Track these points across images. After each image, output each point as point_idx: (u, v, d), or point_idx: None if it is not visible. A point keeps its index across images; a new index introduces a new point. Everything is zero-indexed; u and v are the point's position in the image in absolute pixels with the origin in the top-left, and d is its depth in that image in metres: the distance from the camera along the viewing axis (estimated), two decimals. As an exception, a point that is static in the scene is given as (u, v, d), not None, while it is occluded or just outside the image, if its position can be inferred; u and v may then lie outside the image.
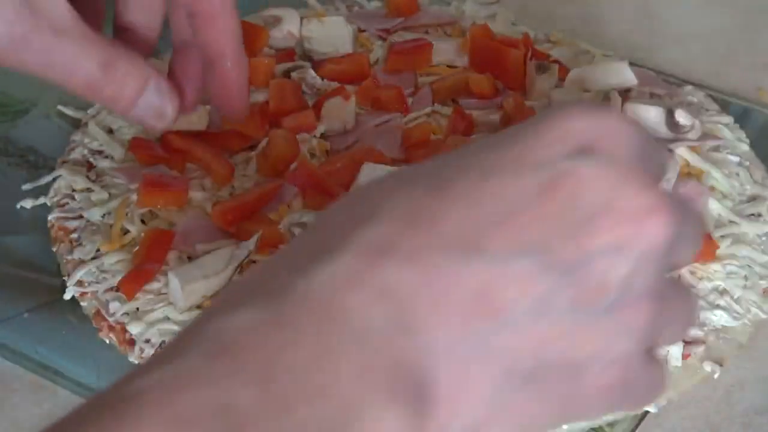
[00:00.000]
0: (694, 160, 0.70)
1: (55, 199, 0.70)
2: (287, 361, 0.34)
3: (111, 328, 0.62)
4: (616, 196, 0.38)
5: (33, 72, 0.55)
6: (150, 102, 0.57)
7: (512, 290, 0.37)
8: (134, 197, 0.67)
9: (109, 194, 0.69)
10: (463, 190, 0.38)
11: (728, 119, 0.76)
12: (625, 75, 0.74)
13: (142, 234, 0.65)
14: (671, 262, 0.40)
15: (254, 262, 0.62)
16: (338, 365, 0.35)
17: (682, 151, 0.69)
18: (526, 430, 0.40)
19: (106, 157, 0.72)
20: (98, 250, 0.65)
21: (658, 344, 0.42)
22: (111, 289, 0.63)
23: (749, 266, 0.65)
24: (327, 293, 0.36)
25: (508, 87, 0.75)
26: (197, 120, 0.70)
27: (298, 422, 0.34)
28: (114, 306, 0.62)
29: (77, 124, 0.76)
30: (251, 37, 0.75)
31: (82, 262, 0.64)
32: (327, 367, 0.35)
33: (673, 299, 0.41)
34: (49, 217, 0.68)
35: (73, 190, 0.70)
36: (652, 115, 0.70)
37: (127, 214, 0.66)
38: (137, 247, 0.64)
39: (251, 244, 0.62)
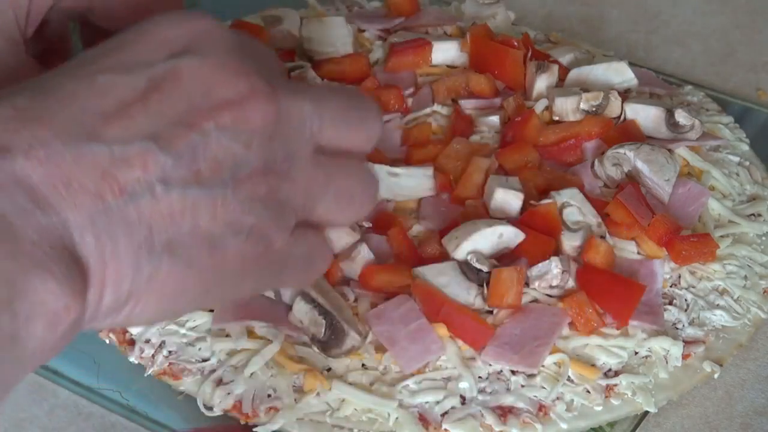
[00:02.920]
0: (694, 160, 0.70)
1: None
2: None
3: (111, 328, 0.62)
4: (214, 85, 0.44)
5: None
6: None
7: (134, 171, 0.42)
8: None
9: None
10: (71, 90, 0.43)
11: (728, 119, 0.76)
12: (625, 75, 0.74)
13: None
14: (313, 141, 0.48)
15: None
16: None
17: (682, 151, 0.69)
18: (176, 304, 0.45)
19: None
20: (98, 250, 0.65)
21: (311, 217, 0.49)
22: (111, 289, 0.63)
23: (749, 266, 0.65)
24: None
25: (508, 87, 0.75)
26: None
27: None
28: (114, 306, 0.62)
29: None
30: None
31: (82, 262, 0.64)
32: None
33: (320, 178, 0.48)
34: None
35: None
36: (652, 115, 0.70)
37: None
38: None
39: None
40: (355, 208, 0.52)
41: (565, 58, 0.77)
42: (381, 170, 0.66)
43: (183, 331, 0.60)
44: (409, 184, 0.67)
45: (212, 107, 0.44)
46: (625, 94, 0.73)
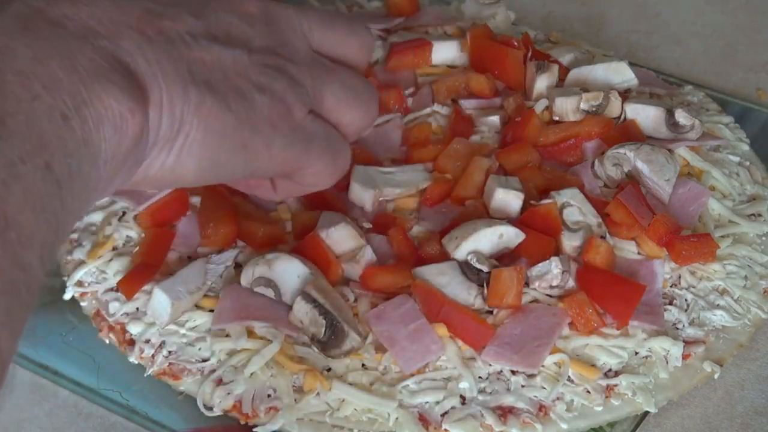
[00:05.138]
0: (694, 160, 0.70)
1: (55, 199, 0.69)
2: (9, 71, 0.42)
3: (111, 328, 0.62)
4: None
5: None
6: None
7: (166, 21, 0.50)
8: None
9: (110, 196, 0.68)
10: None
11: (728, 119, 0.76)
12: (625, 75, 0.74)
13: (142, 234, 0.65)
14: (306, 40, 0.57)
15: (238, 265, 0.62)
16: (53, 65, 0.43)
17: (682, 151, 0.69)
18: (220, 148, 0.51)
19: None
20: (98, 250, 0.65)
21: (323, 110, 0.57)
22: (111, 289, 0.63)
23: (749, 266, 0.65)
24: (18, 24, 0.44)
25: (508, 87, 0.75)
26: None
27: (41, 109, 0.41)
28: (114, 306, 0.62)
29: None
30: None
31: (82, 263, 0.64)
32: (45, 67, 0.43)
33: (321, 68, 0.57)
34: (49, 217, 0.68)
35: (73, 190, 0.70)
36: (652, 115, 0.70)
37: (120, 219, 0.66)
38: (137, 248, 0.64)
39: (229, 258, 0.62)
40: (361, 107, 0.59)
41: (565, 58, 0.77)
42: (373, 171, 0.66)
43: (183, 331, 0.60)
44: (403, 179, 0.67)
45: (211, 2, 0.54)
46: (625, 94, 0.73)
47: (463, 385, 0.57)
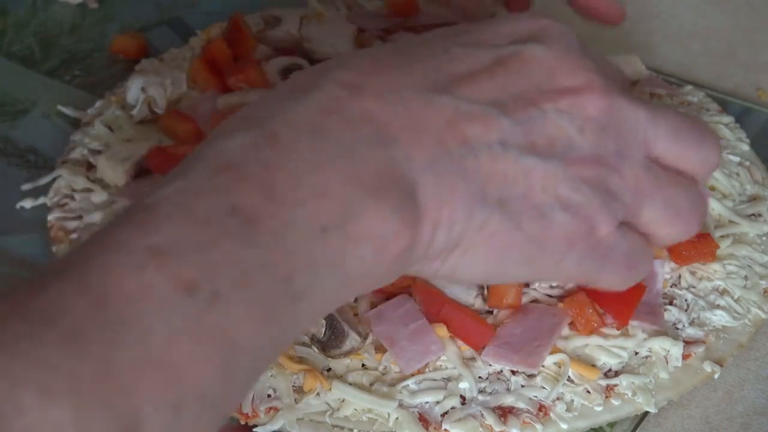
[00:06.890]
0: (694, 160, 0.69)
1: (55, 200, 0.69)
2: (284, 170, 0.40)
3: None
4: (555, 73, 0.48)
5: None
6: None
7: (477, 126, 0.45)
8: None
9: (109, 195, 0.68)
10: (427, 55, 0.46)
11: (728, 119, 0.76)
12: (635, 66, 0.75)
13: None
14: (646, 147, 0.49)
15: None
16: (329, 172, 0.41)
17: (682, 151, 0.69)
18: (501, 263, 0.47)
19: (106, 157, 0.72)
20: (98, 250, 0.65)
21: (637, 221, 0.50)
22: (111, 289, 0.63)
23: (749, 266, 0.65)
24: (311, 117, 0.42)
25: (508, 87, 0.75)
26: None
27: (301, 217, 0.39)
28: (114, 306, 0.62)
29: (77, 124, 0.76)
30: (241, 41, 0.75)
31: (82, 262, 0.64)
32: (320, 173, 0.40)
33: (649, 182, 0.50)
34: (49, 218, 0.68)
35: (73, 191, 0.70)
36: (652, 115, 0.70)
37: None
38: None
39: None
40: (681, 225, 0.52)
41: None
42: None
43: (183, 331, 0.60)
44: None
45: (552, 91, 0.47)
46: (625, 94, 0.73)
47: (463, 385, 0.57)
